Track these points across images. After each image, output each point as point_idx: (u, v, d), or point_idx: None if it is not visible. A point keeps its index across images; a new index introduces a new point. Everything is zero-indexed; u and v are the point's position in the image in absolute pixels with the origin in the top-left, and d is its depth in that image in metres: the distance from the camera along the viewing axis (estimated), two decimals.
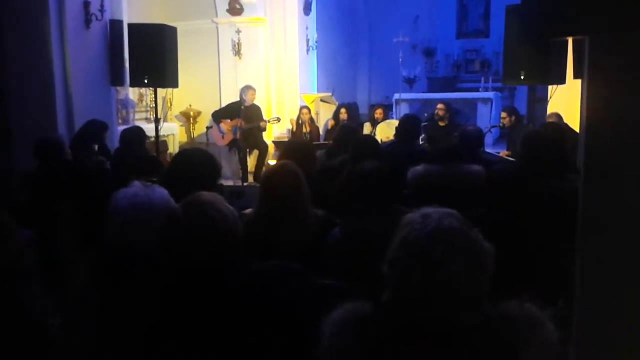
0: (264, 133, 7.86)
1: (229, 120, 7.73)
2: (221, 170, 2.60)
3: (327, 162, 3.89)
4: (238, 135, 7.62)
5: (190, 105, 9.02)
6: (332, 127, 7.94)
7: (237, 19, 8.70)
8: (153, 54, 5.59)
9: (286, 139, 7.89)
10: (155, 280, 1.57)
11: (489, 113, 10.53)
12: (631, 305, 1.59)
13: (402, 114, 7.88)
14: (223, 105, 8.22)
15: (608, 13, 1.38)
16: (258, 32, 8.75)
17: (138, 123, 6.84)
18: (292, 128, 8.27)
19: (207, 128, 8.34)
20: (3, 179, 3.83)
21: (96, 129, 5.00)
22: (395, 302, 1.23)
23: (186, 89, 7.62)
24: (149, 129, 5.72)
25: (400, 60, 10.08)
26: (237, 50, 8.74)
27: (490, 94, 10.84)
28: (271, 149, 7.78)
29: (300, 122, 8.00)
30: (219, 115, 7.85)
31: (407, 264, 1.20)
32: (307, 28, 9.23)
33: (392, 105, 10.56)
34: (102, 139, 5.07)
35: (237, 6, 8.65)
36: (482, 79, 11.61)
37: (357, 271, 1.93)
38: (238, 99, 7.74)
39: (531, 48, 4.66)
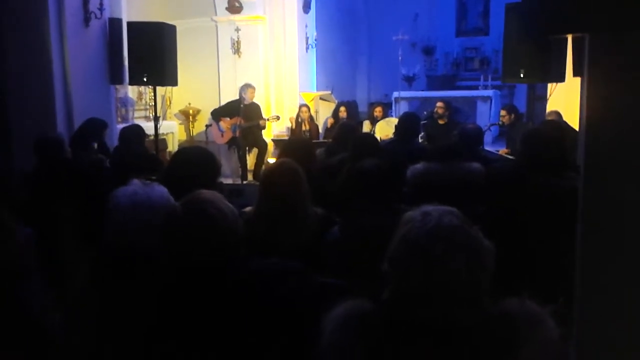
0: (263, 131, 7.85)
1: (228, 119, 7.72)
2: (221, 169, 2.60)
3: (326, 160, 3.88)
4: (237, 134, 7.61)
5: (189, 104, 9.01)
6: (332, 125, 7.94)
7: (236, 17, 8.69)
8: (152, 52, 5.60)
9: (286, 137, 7.90)
10: (155, 279, 1.57)
11: (488, 111, 10.53)
12: (631, 305, 1.59)
13: (401, 112, 7.91)
14: (222, 103, 8.20)
15: (608, 12, 1.38)
16: (257, 30, 8.74)
17: (137, 121, 6.83)
18: (292, 126, 8.27)
19: (207, 126, 8.34)
20: (3, 178, 3.82)
21: (95, 127, 5.00)
22: (395, 300, 1.23)
23: (185, 87, 7.63)
24: (148, 127, 5.72)
25: (400, 58, 10.06)
26: (236, 49, 8.73)
27: (489, 92, 10.84)
28: (271, 147, 7.78)
29: (299, 120, 7.99)
30: (218, 114, 7.84)
31: (407, 262, 1.20)
32: (306, 26, 9.23)
33: (391, 104, 10.55)
34: (102, 137, 5.08)
35: (237, 4, 8.64)
36: (482, 77, 11.59)
37: (357, 269, 1.92)
38: (237, 97, 7.73)
39: (531, 46, 4.66)
